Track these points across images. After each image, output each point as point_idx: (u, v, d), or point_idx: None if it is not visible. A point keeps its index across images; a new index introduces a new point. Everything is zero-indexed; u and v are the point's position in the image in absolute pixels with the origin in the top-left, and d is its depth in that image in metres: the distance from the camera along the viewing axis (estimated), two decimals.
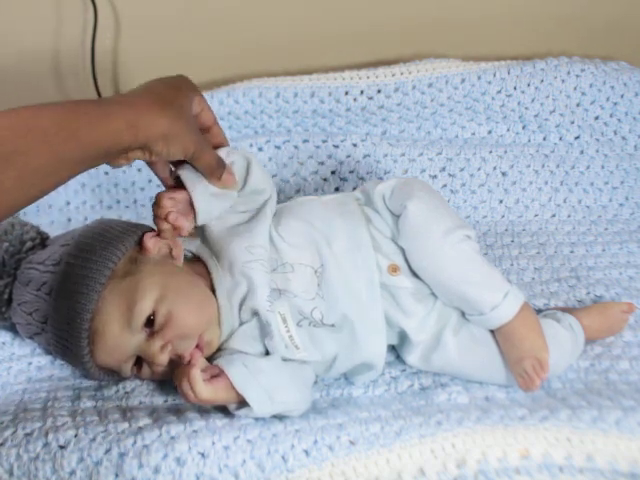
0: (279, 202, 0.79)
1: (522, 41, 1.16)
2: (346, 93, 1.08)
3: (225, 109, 1.07)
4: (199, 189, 0.70)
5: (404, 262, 0.74)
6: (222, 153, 0.73)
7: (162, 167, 0.71)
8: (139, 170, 1.05)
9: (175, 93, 0.65)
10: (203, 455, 0.60)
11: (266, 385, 0.66)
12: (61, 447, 0.61)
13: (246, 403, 0.65)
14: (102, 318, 0.67)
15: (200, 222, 0.72)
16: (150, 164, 0.70)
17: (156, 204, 0.70)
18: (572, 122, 1.09)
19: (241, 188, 0.74)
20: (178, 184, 0.71)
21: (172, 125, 0.61)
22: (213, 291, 0.72)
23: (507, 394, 0.71)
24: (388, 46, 1.15)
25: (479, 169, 1.06)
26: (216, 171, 0.69)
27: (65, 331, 0.67)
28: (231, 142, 1.05)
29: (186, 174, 0.70)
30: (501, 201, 1.06)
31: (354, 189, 0.91)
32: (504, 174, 1.06)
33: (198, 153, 0.66)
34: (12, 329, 0.78)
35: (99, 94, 1.14)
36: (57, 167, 0.53)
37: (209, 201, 0.71)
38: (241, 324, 0.72)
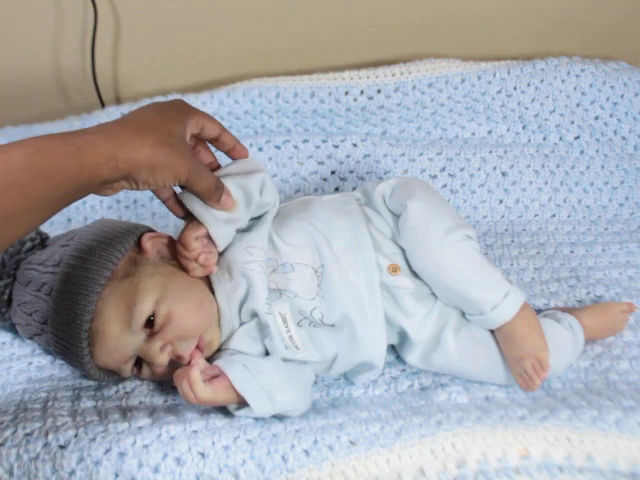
0: (279, 202, 0.79)
1: (522, 41, 1.16)
2: (346, 93, 1.08)
3: (225, 109, 1.07)
4: (212, 222, 0.69)
5: (404, 262, 0.74)
6: (243, 165, 0.74)
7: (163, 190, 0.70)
8: None
9: (162, 119, 0.62)
10: (203, 455, 0.60)
11: (266, 385, 0.66)
12: (61, 447, 0.61)
13: (246, 403, 0.65)
14: (102, 319, 0.67)
15: (222, 248, 0.72)
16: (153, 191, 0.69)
17: (183, 246, 0.69)
18: (572, 122, 1.09)
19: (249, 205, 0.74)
20: (187, 213, 0.71)
21: (156, 153, 0.59)
22: (212, 292, 0.72)
23: (507, 394, 0.71)
24: (388, 46, 1.15)
25: (479, 169, 1.06)
26: (215, 194, 0.67)
27: (65, 332, 0.67)
28: None
29: (196, 208, 0.69)
30: (501, 201, 1.06)
31: (354, 189, 0.91)
32: (504, 174, 1.06)
33: (193, 178, 0.64)
34: (12, 329, 0.78)
35: (99, 94, 1.14)
36: (30, 208, 0.52)
37: (224, 229, 0.70)
38: (241, 324, 0.72)
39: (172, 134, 0.62)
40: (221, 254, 0.72)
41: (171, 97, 1.06)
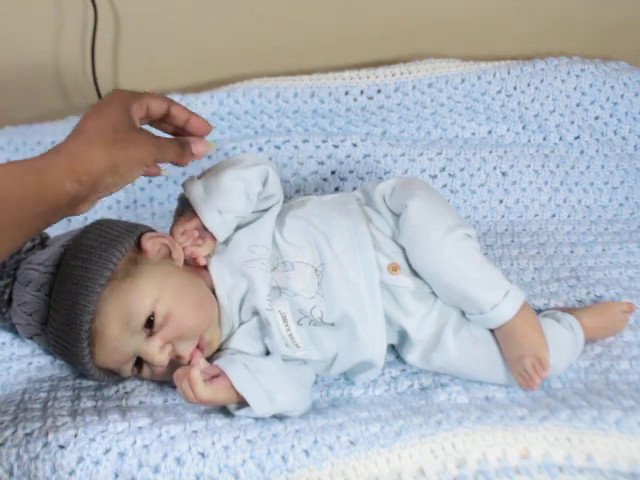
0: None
1: (522, 41, 1.16)
2: (346, 93, 1.08)
3: (225, 109, 1.07)
4: (206, 211, 0.71)
5: (404, 261, 0.74)
6: (248, 160, 0.75)
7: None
8: None
9: (104, 120, 0.61)
10: (203, 455, 0.60)
11: (266, 385, 0.66)
12: (61, 447, 0.61)
13: (246, 403, 0.65)
14: (102, 319, 0.67)
15: (222, 239, 0.73)
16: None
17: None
18: (572, 122, 1.09)
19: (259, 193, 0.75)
20: (183, 203, 0.74)
21: (110, 154, 0.58)
22: (213, 291, 0.72)
23: (507, 394, 0.71)
24: (388, 46, 1.15)
25: (479, 169, 1.06)
26: (185, 154, 0.66)
27: (65, 332, 0.67)
28: (231, 142, 1.06)
29: (194, 197, 0.72)
30: (501, 201, 1.06)
31: (354, 189, 0.92)
32: (504, 174, 1.06)
33: (160, 156, 0.63)
34: (12, 329, 0.78)
35: (99, 94, 1.14)
36: None
37: (220, 218, 0.72)
38: (241, 324, 0.72)
39: (118, 128, 0.61)
40: (224, 251, 0.73)
41: (170, 97, 1.06)
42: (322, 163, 1.05)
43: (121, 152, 0.59)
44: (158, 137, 0.64)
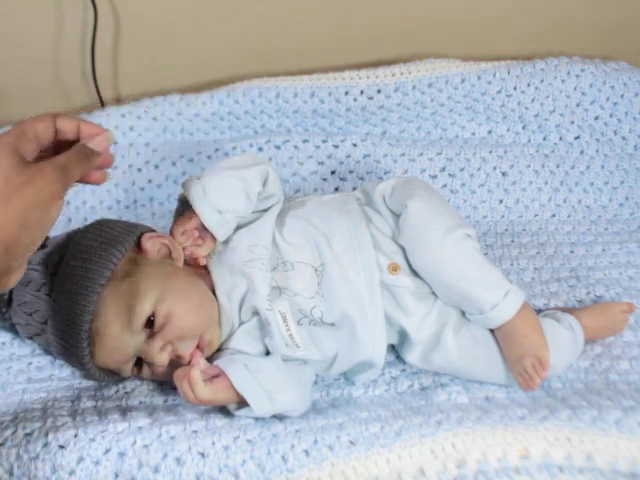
0: None
1: (522, 41, 1.16)
2: (346, 93, 1.08)
3: (225, 109, 1.07)
4: (206, 211, 0.71)
5: (404, 261, 0.74)
6: (248, 160, 0.75)
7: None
8: (139, 170, 1.05)
9: None
10: (203, 455, 0.61)
11: (266, 385, 0.66)
12: (61, 447, 0.61)
13: (246, 403, 0.65)
14: (102, 319, 0.67)
15: (222, 239, 0.73)
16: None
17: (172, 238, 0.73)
18: (572, 122, 1.09)
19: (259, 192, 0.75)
20: (183, 203, 0.74)
21: (11, 211, 0.50)
22: (213, 291, 0.72)
23: (507, 394, 0.71)
24: (388, 46, 1.15)
25: (479, 169, 1.06)
26: (91, 159, 0.57)
27: (65, 332, 0.67)
28: (231, 142, 1.06)
29: (193, 197, 0.72)
30: (501, 201, 1.06)
31: (354, 189, 0.92)
32: (504, 174, 1.06)
33: (66, 177, 0.54)
34: (12, 329, 0.78)
35: (99, 94, 1.14)
36: None
37: (220, 218, 0.72)
38: (241, 324, 0.72)
39: (9, 178, 0.51)
40: (224, 251, 0.73)
41: (170, 97, 1.06)
42: (322, 163, 1.05)
43: (23, 202, 0.50)
44: (54, 158, 0.55)
